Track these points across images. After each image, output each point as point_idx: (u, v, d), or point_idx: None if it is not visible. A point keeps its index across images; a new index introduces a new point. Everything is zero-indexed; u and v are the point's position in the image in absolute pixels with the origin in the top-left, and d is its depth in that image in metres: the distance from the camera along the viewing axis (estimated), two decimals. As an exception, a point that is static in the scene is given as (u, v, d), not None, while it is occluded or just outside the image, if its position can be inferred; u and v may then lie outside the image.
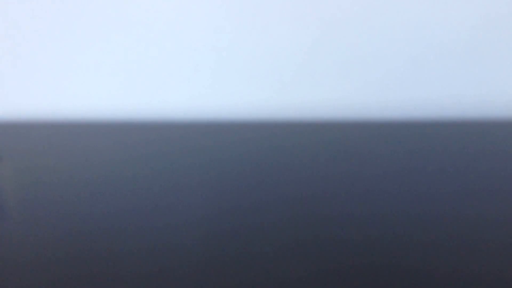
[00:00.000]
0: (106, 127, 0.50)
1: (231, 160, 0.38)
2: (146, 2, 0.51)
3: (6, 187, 0.33)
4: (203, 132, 0.47)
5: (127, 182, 0.34)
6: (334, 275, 0.22)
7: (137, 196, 0.31)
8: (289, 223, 0.27)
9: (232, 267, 0.23)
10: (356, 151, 0.40)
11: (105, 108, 0.56)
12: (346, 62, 0.52)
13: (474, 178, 0.33)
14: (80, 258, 0.24)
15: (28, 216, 0.29)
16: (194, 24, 0.52)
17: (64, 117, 0.56)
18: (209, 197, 0.31)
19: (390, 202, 0.30)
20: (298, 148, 0.41)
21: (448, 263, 0.23)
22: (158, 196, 0.31)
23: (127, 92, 0.55)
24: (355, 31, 0.51)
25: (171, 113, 0.56)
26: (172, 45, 0.53)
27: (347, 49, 0.52)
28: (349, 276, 0.22)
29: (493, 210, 0.28)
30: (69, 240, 0.26)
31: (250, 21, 0.52)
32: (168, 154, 0.40)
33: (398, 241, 0.25)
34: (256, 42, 0.52)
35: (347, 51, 0.52)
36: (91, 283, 0.21)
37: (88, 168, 0.37)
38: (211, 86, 0.54)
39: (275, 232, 0.26)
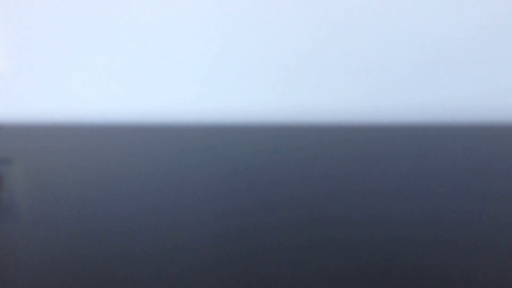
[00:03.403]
0: (115, 130, 0.51)
1: (231, 163, 0.38)
2: (146, 8, 0.52)
3: (17, 189, 0.34)
4: (206, 134, 0.47)
5: (136, 184, 0.34)
6: (336, 276, 0.22)
7: (149, 199, 0.32)
8: (286, 225, 0.27)
9: (235, 269, 0.23)
10: (357, 155, 0.40)
11: (112, 112, 0.56)
12: (348, 64, 0.52)
13: (479, 181, 0.33)
14: (91, 258, 0.24)
15: (40, 217, 0.29)
16: (193, 27, 0.52)
17: (75, 120, 0.57)
18: (208, 200, 0.31)
19: (394, 205, 0.30)
20: (299, 151, 0.41)
21: (450, 264, 0.23)
22: (169, 198, 0.31)
23: (136, 96, 0.55)
24: (358, 33, 0.51)
25: (178, 115, 0.56)
26: (172, 48, 0.53)
27: (350, 51, 0.52)
28: (351, 277, 0.22)
29: (498, 213, 0.28)
30: (81, 241, 0.26)
31: (251, 23, 0.52)
32: (179, 156, 0.40)
33: (402, 244, 0.25)
34: (257, 44, 0.52)
35: (349, 54, 0.52)
36: (100, 283, 0.22)
37: (98, 170, 0.37)
38: (212, 88, 0.54)
39: (273, 235, 0.26)
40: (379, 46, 0.51)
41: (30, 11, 0.54)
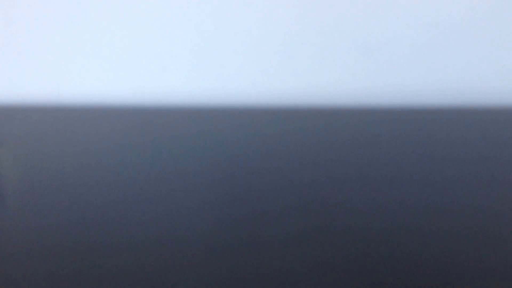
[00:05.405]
0: (107, 112, 0.50)
1: (224, 146, 0.38)
2: (146, -16, 0.50)
3: (5, 173, 0.33)
4: (199, 117, 0.47)
5: (127, 168, 0.33)
6: (339, 264, 0.21)
7: (137, 183, 0.31)
8: (283, 212, 0.27)
9: (236, 256, 0.22)
10: (356, 138, 0.39)
11: (103, 93, 0.55)
12: (346, 45, 0.51)
13: (483, 166, 0.33)
14: (81, 245, 0.23)
15: (28, 202, 0.28)
16: (186, 7, 0.51)
17: (65, 102, 0.56)
18: (203, 185, 0.31)
19: (395, 191, 0.29)
20: (295, 134, 0.41)
21: (454, 253, 0.22)
22: (160, 183, 0.31)
23: (129, 76, 0.54)
24: (356, 11, 0.50)
25: (172, 97, 0.55)
26: (164, 29, 0.52)
27: (348, 31, 0.51)
28: (354, 265, 0.21)
29: (504, 200, 0.28)
30: (71, 228, 0.25)
31: (244, 2, 0.50)
32: (174, 140, 0.40)
33: (403, 230, 0.24)
34: (252, 24, 0.51)
35: (347, 34, 0.51)
36: (92, 271, 0.21)
37: (89, 154, 0.37)
38: (205, 71, 0.53)
39: (271, 222, 0.26)
40: (378, 25, 0.50)
41: (17, -13, 0.52)
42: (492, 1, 0.49)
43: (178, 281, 0.20)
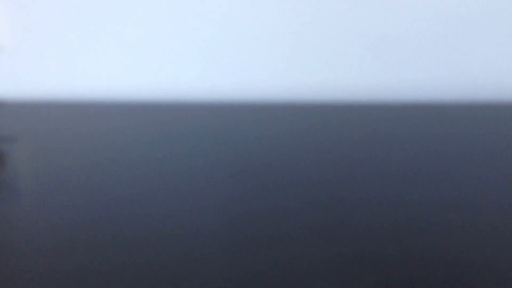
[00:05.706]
0: (120, 107, 0.50)
1: (232, 141, 0.38)
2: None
3: (21, 168, 0.34)
4: (209, 112, 0.47)
5: (142, 162, 0.34)
6: (347, 260, 0.22)
7: (154, 177, 0.31)
8: (291, 206, 0.27)
9: (245, 251, 0.23)
10: (363, 134, 0.39)
11: (117, 88, 0.56)
12: (351, 41, 0.51)
13: (498, 161, 0.33)
14: (93, 239, 0.24)
15: (43, 196, 0.29)
16: (192, 6, 0.51)
17: (79, 97, 0.57)
18: (213, 179, 0.31)
19: (403, 186, 0.29)
20: (304, 129, 0.40)
21: (461, 245, 0.22)
22: (171, 177, 0.31)
23: (141, 72, 0.55)
24: (364, 7, 0.49)
25: (185, 93, 0.55)
26: (174, 25, 0.52)
27: (352, 28, 0.50)
28: (367, 261, 0.22)
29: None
30: (84, 222, 0.26)
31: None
32: (186, 134, 0.40)
33: (414, 226, 0.24)
34: (257, 23, 0.51)
35: (351, 30, 0.50)
36: (103, 264, 0.22)
37: (101, 149, 0.37)
38: (214, 67, 0.53)
39: (277, 217, 0.26)
40: (386, 22, 0.50)
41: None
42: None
43: (183, 277, 0.21)
